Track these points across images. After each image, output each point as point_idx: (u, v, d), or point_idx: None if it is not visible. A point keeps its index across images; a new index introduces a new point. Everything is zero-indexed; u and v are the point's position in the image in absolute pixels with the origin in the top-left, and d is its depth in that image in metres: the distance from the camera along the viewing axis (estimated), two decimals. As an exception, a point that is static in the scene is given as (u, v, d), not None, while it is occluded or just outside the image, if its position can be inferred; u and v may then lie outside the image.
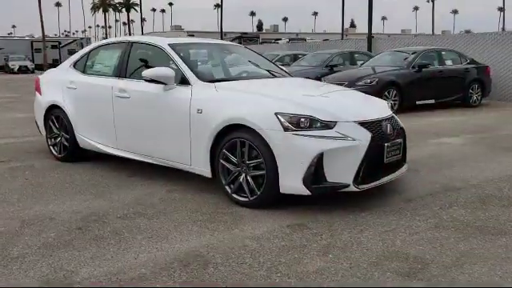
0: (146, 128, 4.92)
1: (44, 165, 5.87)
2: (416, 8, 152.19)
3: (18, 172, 5.53)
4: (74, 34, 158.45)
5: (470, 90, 12.04)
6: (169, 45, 5.03)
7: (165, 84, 4.67)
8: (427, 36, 17.63)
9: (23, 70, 38.29)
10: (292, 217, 3.91)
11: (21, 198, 4.51)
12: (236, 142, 4.13)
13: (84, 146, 5.80)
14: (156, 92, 4.79)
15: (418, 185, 4.87)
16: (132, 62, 5.32)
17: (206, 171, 4.45)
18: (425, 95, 11.29)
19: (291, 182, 3.86)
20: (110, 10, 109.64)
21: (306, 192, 3.85)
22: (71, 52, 49.27)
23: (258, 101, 4.19)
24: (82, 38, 56.47)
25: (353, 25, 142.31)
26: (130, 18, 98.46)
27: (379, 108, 4.56)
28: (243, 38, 55.53)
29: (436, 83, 11.40)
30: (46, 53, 45.45)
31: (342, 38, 54.36)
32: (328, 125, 3.91)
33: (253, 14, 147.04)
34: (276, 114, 3.94)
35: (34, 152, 6.68)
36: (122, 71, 5.28)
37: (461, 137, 7.88)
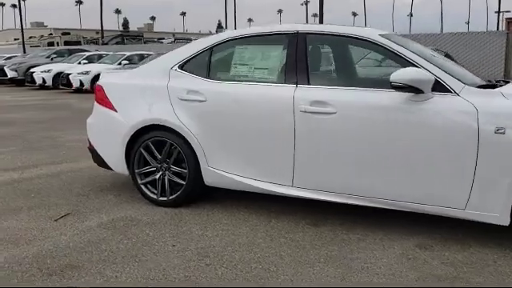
0: (369, 157, 3.38)
1: (153, 216, 3.90)
2: (280, 11, 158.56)
3: (134, 234, 3.54)
4: None
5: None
6: (382, 36, 3.54)
7: (418, 92, 3.21)
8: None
9: None
10: None
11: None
12: None
13: (216, 184, 3.98)
14: (392, 104, 3.29)
15: None
16: (318, 62, 3.71)
17: (500, 217, 3.11)
18: None
19: None
20: None
21: None
22: None
23: None
24: None
25: (220, 26, 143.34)
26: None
27: None
28: (125, 37, 52.12)
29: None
30: None
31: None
32: None
33: (118, 11, 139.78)
34: None
35: (92, 192, 4.57)
36: (301, 75, 3.61)
37: None
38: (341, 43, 3.75)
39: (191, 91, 3.94)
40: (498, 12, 37.35)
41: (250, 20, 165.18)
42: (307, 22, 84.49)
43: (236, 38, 4.00)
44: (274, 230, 3.58)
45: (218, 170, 3.89)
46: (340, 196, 3.52)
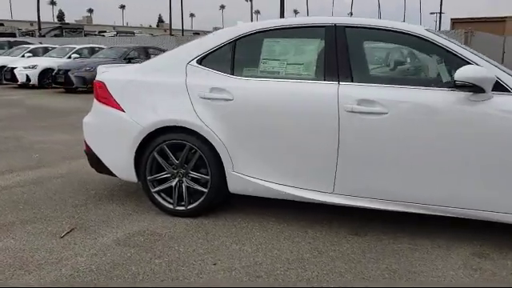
0: (423, 161, 3.13)
1: (174, 229, 3.47)
2: (223, 6, 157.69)
3: (163, 252, 3.11)
4: None
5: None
6: (429, 31, 3.31)
7: (479, 92, 3.00)
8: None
9: None
10: None
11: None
12: None
13: (242, 191, 3.60)
14: (449, 104, 3.06)
15: None
16: (360, 58, 3.42)
17: None
18: None
19: None
20: None
21: None
22: None
23: None
24: None
25: (161, 20, 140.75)
26: None
27: None
28: (65, 29, 49.74)
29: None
30: None
31: (171, 33, 52.79)
32: None
33: (53, 3, 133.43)
34: None
35: (90, 201, 4.05)
36: (342, 71, 3.31)
37: None
38: (384, 38, 3.49)
39: (215, 89, 3.53)
40: (440, 13, 39.07)
41: (192, 15, 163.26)
42: (251, 19, 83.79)
43: (263, 31, 3.63)
44: (317, 242, 3.27)
45: (245, 176, 3.52)
46: (389, 203, 3.26)
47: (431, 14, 57.87)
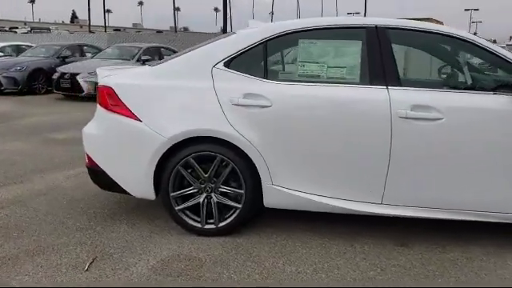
0: (482, 167, 3.02)
1: (211, 251, 3.11)
2: (141, 3, 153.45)
3: (215, 280, 2.76)
4: None
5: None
6: (471, 35, 3.23)
7: (536, 96, 2.96)
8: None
9: None
10: None
11: None
12: None
13: (279, 205, 3.31)
14: (506, 109, 3.00)
15: None
16: (405, 61, 3.26)
17: None
18: None
19: None
20: None
21: None
22: None
23: None
24: None
25: (75, 16, 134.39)
26: None
27: None
28: (-29, 25, 45.84)
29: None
30: None
31: (90, 30, 50.33)
32: None
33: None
34: None
35: (95, 223, 3.56)
36: (389, 75, 3.13)
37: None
38: (428, 41, 3.34)
39: (250, 95, 3.21)
40: (365, 13, 40.67)
41: (108, 11, 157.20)
42: (174, 15, 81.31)
43: (296, 32, 3.35)
44: (371, 257, 3.07)
45: (284, 189, 3.24)
46: (442, 212, 3.14)
47: (348, 14, 60.09)
